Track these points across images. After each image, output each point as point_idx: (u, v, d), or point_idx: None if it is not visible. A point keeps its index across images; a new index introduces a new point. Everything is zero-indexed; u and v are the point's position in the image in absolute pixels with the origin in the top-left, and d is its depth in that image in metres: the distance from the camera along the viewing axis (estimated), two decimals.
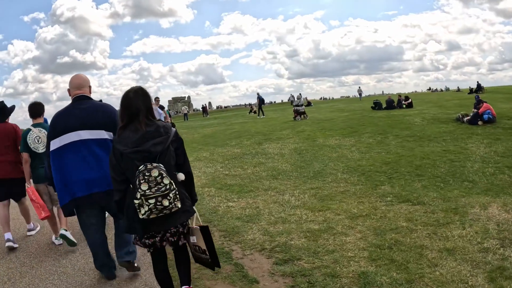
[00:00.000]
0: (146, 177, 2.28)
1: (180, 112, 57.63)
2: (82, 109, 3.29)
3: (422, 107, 20.54)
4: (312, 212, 5.23)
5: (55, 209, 4.82)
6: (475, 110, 12.85)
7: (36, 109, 4.85)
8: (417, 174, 7.02)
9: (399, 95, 23.65)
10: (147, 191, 2.27)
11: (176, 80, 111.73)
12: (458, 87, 56.49)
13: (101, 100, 4.22)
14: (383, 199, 5.68)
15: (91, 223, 3.38)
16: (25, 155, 4.59)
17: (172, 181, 2.36)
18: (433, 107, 19.95)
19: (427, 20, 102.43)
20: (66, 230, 4.44)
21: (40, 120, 4.82)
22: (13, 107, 5.21)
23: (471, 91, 37.81)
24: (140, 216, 2.32)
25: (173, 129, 2.62)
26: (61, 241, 4.75)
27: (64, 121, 3.28)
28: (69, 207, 3.31)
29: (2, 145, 4.82)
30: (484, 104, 12.92)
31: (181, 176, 2.55)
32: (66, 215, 3.62)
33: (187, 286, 2.72)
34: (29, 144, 4.56)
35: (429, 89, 71.33)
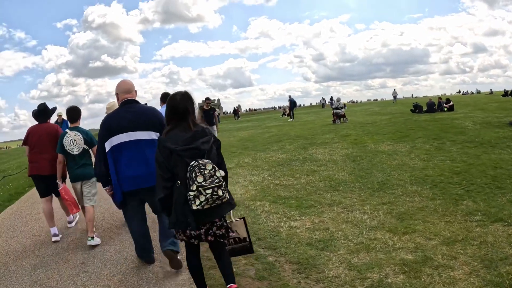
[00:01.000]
0: (201, 170, 2.42)
1: None
2: (132, 111, 3.47)
3: (464, 110, 19.20)
4: (396, 235, 4.29)
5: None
6: None
7: (73, 114, 5.10)
8: (497, 186, 5.98)
9: (440, 97, 22.25)
10: (203, 183, 2.40)
11: (205, 83, 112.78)
12: (491, 89, 53.81)
13: (146, 104, 4.29)
14: (472, 217, 4.69)
15: (136, 216, 3.67)
16: (60, 156, 4.86)
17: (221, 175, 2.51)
18: (476, 110, 18.59)
19: (453, 22, 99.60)
20: (93, 238, 4.66)
21: (77, 124, 5.07)
22: (54, 109, 5.59)
23: (505, 93, 35.76)
24: (195, 207, 2.42)
25: (213, 133, 2.73)
26: (73, 224, 5.74)
27: (116, 123, 3.45)
28: (119, 200, 3.56)
29: (44, 144, 5.09)
30: None
31: (222, 173, 2.58)
32: (118, 207, 3.80)
33: (234, 285, 2.76)
34: (65, 146, 4.79)
35: (459, 91, 68.36)
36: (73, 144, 4.81)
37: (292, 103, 27.23)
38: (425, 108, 20.02)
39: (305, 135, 14.03)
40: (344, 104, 38.96)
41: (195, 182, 2.39)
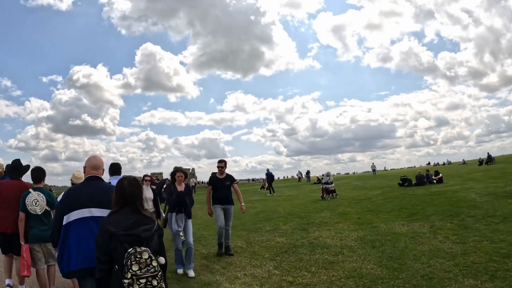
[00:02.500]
0: (137, 259, 2.37)
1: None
2: (95, 188, 3.40)
3: (454, 182, 18.37)
4: None
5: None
6: None
7: (38, 174, 5.05)
8: None
9: (427, 170, 21.43)
10: (138, 272, 2.34)
11: (179, 152, 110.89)
12: (463, 159, 54.68)
13: (110, 182, 4.16)
14: None
15: None
16: (21, 215, 4.77)
17: (158, 264, 2.44)
18: (467, 181, 17.80)
19: (417, 98, 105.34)
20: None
21: (41, 185, 5.02)
22: (28, 167, 5.44)
23: (481, 162, 35.90)
24: None
25: (156, 222, 2.71)
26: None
27: (78, 197, 3.36)
28: (71, 275, 3.39)
29: (12, 201, 4.95)
30: None
31: (162, 260, 2.54)
32: (66, 277, 3.65)
33: None
34: (27, 205, 4.75)
35: (428, 163, 69.21)
36: (35, 204, 4.79)
37: (270, 176, 25.52)
38: (414, 181, 19.02)
39: (297, 213, 12.38)
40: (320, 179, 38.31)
41: (130, 270, 2.35)
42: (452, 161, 61.01)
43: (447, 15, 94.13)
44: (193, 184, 38.66)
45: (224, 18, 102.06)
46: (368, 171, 52.15)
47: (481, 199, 11.39)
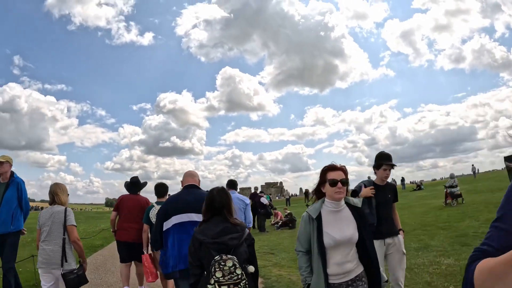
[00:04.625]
0: (221, 266, 2.40)
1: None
2: (193, 195, 3.55)
3: None
4: None
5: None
6: None
7: (161, 189, 5.46)
8: None
9: None
10: (221, 278, 2.37)
11: (264, 167, 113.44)
12: None
13: (207, 191, 3.47)
14: None
15: None
16: (145, 226, 5.15)
17: (243, 272, 2.44)
18: None
19: (495, 97, 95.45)
20: None
21: (163, 199, 5.31)
22: (145, 183, 6.05)
23: None
24: None
25: (247, 230, 2.72)
26: None
27: (176, 204, 3.53)
28: (171, 275, 3.51)
29: (134, 213, 5.50)
30: None
31: (251, 269, 2.56)
32: (167, 278, 3.95)
33: None
34: (151, 218, 5.01)
35: None
36: None
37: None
38: None
39: (432, 223, 10.52)
40: (419, 185, 35.06)
41: (214, 277, 2.39)
42: None
43: None
44: (288, 197, 38.20)
45: (295, 36, 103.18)
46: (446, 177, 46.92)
47: None
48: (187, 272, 3.17)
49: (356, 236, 2.65)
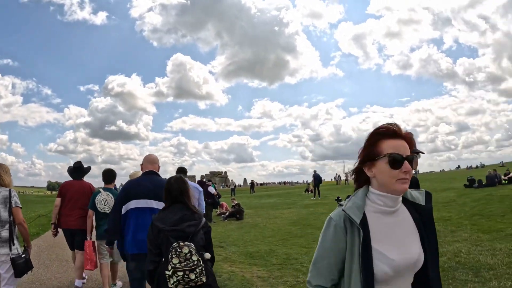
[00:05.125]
0: (178, 253, 2.46)
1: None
2: (152, 182, 3.51)
3: None
4: None
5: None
6: None
7: (109, 176, 5.30)
8: None
9: (494, 170, 19.22)
10: (177, 265, 2.44)
11: (209, 156, 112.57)
12: (501, 162, 51.60)
13: (165, 178, 3.70)
14: None
15: (137, 272, 3.44)
16: (90, 212, 5.01)
17: (200, 258, 2.50)
18: None
19: (437, 104, 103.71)
20: (115, 285, 5.24)
21: (111, 186, 5.27)
22: (89, 168, 5.75)
23: None
24: (169, 286, 2.44)
25: (204, 218, 2.78)
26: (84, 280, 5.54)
27: (136, 189, 3.47)
28: (126, 258, 3.51)
29: (78, 199, 5.24)
30: None
31: (207, 256, 2.64)
32: (124, 260, 3.68)
33: None
34: (96, 204, 4.96)
35: (470, 167, 64.77)
36: (104, 203, 4.95)
37: (317, 179, 23.19)
38: (484, 182, 16.85)
39: None
40: None
41: (171, 263, 2.44)
42: (502, 163, 56.17)
43: (464, 22, 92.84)
44: (233, 187, 37.35)
45: (250, 29, 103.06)
46: None
47: None
48: (139, 257, 3.27)
49: (422, 257, 1.43)
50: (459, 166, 68.34)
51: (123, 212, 3.44)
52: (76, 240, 5.22)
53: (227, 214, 13.89)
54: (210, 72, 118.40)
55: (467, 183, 17.50)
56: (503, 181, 17.14)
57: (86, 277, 5.74)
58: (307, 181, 41.54)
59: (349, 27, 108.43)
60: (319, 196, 21.64)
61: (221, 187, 55.76)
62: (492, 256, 5.94)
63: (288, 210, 15.70)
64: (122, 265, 5.00)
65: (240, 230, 10.78)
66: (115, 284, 5.20)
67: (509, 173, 17.78)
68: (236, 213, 13.68)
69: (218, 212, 14.67)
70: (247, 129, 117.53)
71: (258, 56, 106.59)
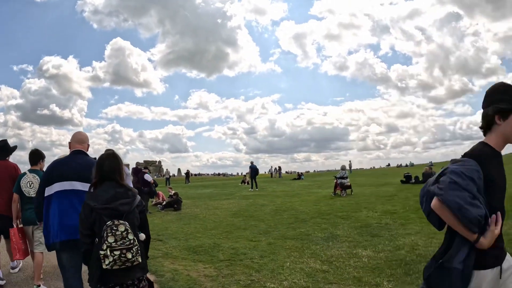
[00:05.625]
0: (113, 231, 2.34)
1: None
2: (78, 162, 3.30)
3: None
4: None
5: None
6: None
7: (35, 157, 4.87)
8: None
9: (430, 167, 20.07)
10: (113, 244, 2.32)
11: (144, 145, 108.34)
12: (431, 162, 55.27)
13: (95, 158, 3.36)
14: None
15: (70, 266, 3.22)
16: (15, 196, 4.62)
17: (135, 238, 2.41)
18: None
19: (370, 105, 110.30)
20: (39, 286, 4.33)
21: (37, 167, 4.81)
22: (15, 147, 5.30)
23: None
24: (104, 266, 2.32)
25: (138, 196, 2.66)
26: (16, 270, 5.19)
27: (60, 170, 3.26)
28: (52, 247, 3.22)
29: (1, 182, 4.78)
30: None
31: (142, 236, 2.56)
32: (49, 250, 3.39)
33: None
34: (22, 187, 4.59)
35: (400, 165, 68.32)
36: (30, 186, 4.62)
37: (254, 170, 22.73)
38: (421, 178, 17.46)
39: (331, 212, 10.11)
40: (300, 174, 36.67)
41: (106, 242, 2.33)
42: (431, 163, 59.97)
43: (401, 31, 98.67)
44: (168, 177, 35.98)
45: (193, 19, 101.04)
46: (322, 171, 50.97)
47: None
48: (68, 244, 3.08)
49: None
50: (389, 164, 71.93)
51: (46, 194, 3.23)
52: (4, 227, 4.70)
53: (164, 204, 12.81)
54: (149, 60, 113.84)
55: (404, 179, 18.13)
56: None
57: (19, 265, 5.36)
58: (242, 173, 41.34)
59: (291, 26, 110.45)
60: (256, 188, 21.13)
61: (155, 177, 53.70)
62: None
63: (227, 201, 14.92)
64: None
65: (179, 222, 9.85)
66: (39, 286, 4.35)
67: None
68: (174, 203, 12.63)
69: (154, 202, 13.53)
70: (182, 119, 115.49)
71: (199, 46, 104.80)
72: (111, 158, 2.68)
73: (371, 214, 9.42)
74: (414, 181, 17.38)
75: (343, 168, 15.44)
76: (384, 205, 10.79)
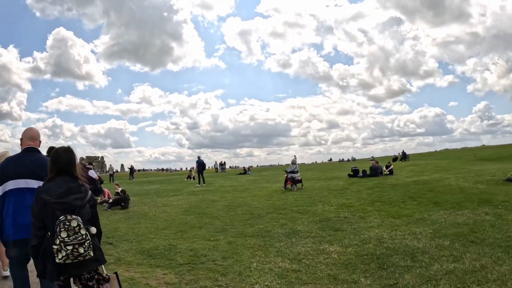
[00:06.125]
0: (66, 226, 2.37)
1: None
2: (31, 160, 3.29)
3: (403, 174, 17.77)
4: None
5: None
6: None
7: None
8: None
9: (376, 162, 20.61)
10: (66, 238, 2.35)
11: (86, 140, 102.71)
12: (372, 156, 57.68)
13: (47, 155, 3.64)
14: None
15: (19, 261, 3.25)
16: None
17: (87, 232, 2.44)
18: (419, 173, 17.30)
19: (312, 102, 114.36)
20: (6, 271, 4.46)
21: None
22: None
23: (395, 158, 37.35)
24: (57, 260, 2.36)
25: (90, 191, 2.67)
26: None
27: (14, 168, 3.24)
28: (5, 244, 3.27)
29: None
30: None
31: (93, 230, 2.57)
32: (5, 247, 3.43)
33: None
34: None
35: (342, 160, 70.65)
36: None
37: (201, 165, 21.97)
38: (368, 172, 17.93)
39: (286, 207, 9.90)
40: (248, 168, 36.51)
41: (59, 237, 2.35)
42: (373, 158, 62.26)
43: (344, 32, 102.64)
44: (111, 173, 34.05)
45: (139, 11, 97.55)
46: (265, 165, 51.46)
47: (475, 186, 10.78)
48: (22, 242, 3.02)
49: None
50: (331, 159, 74.45)
51: (0, 193, 3.20)
52: None
53: (110, 202, 11.82)
54: (92, 51, 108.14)
55: (351, 173, 18.50)
56: (385, 173, 18.48)
57: None
58: (187, 168, 40.47)
59: (236, 22, 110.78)
60: (203, 183, 20.53)
61: (98, 173, 50.90)
62: (417, 240, 5.80)
63: (175, 198, 14.18)
64: None
65: (128, 221, 9.06)
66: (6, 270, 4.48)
67: (390, 166, 19.33)
68: (121, 201, 11.70)
69: (99, 200, 12.48)
70: (125, 113, 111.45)
71: (143, 39, 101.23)
72: (68, 152, 2.71)
73: (327, 208, 9.34)
74: (362, 174, 17.80)
75: (293, 162, 15.36)
76: (338, 198, 10.80)
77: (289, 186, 14.41)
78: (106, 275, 2.71)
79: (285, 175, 14.87)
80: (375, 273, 4.47)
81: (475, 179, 12.34)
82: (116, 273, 2.78)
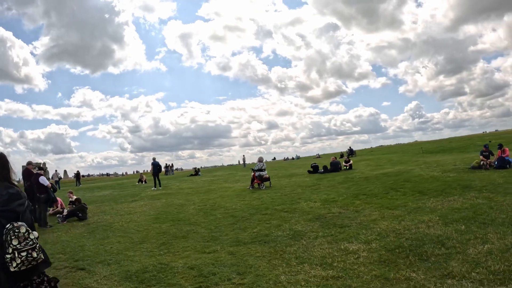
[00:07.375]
0: (16, 233, 2.34)
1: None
2: None
3: (361, 168, 18.02)
4: None
5: None
6: (497, 157, 12.07)
7: None
8: None
9: (335, 157, 20.76)
10: (18, 246, 2.32)
11: (25, 146, 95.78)
12: (318, 154, 59.05)
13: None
14: None
15: None
16: None
17: (35, 237, 2.43)
18: (378, 167, 17.69)
19: (251, 104, 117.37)
20: None
21: None
22: None
23: (342, 155, 38.03)
24: (12, 269, 2.31)
25: (25, 195, 2.61)
26: None
27: None
28: None
29: None
30: (506, 148, 12.35)
31: (35, 234, 2.50)
32: None
33: None
34: None
35: (286, 158, 71.02)
36: None
37: (156, 167, 20.21)
38: (329, 167, 17.87)
39: (266, 207, 9.17)
40: (198, 169, 35.25)
41: (11, 245, 2.29)
42: (318, 155, 62.77)
43: (283, 37, 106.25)
44: (57, 179, 30.84)
45: (80, 12, 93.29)
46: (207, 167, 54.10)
47: (447, 175, 11.11)
48: None
49: None
50: (274, 158, 75.28)
51: None
52: None
53: (65, 213, 10.17)
54: (32, 53, 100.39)
55: (311, 170, 18.33)
56: (344, 167, 18.56)
57: None
58: (137, 171, 38.34)
59: (178, 26, 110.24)
60: (159, 186, 19.19)
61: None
62: (432, 228, 5.61)
63: (136, 204, 12.77)
64: None
65: (94, 236, 7.59)
66: None
67: (349, 161, 19.54)
68: (78, 211, 10.02)
69: (51, 211, 10.76)
70: (66, 118, 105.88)
71: (84, 41, 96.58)
72: (2, 158, 2.64)
73: (312, 204, 8.87)
74: (323, 170, 17.69)
75: (260, 160, 14.74)
76: (316, 194, 10.39)
77: (256, 184, 13.80)
78: (53, 277, 2.67)
79: (252, 173, 14.21)
80: (420, 265, 4.08)
81: (441, 169, 12.79)
82: (55, 278, 2.74)
